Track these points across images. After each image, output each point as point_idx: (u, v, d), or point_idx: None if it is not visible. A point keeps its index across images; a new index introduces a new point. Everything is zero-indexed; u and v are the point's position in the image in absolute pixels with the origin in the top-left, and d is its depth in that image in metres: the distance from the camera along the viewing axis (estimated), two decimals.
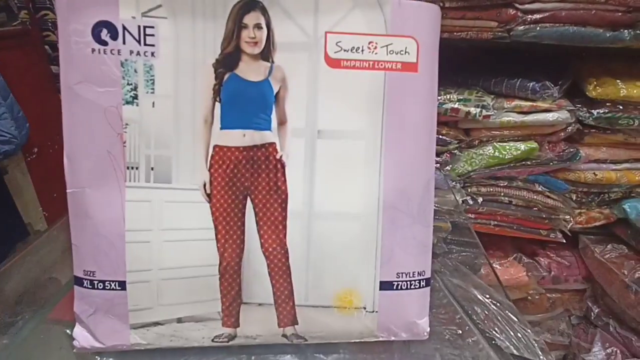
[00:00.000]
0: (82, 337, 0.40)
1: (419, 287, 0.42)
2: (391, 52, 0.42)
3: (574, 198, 1.11)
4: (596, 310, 1.17)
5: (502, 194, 1.13)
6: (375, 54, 0.42)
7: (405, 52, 0.42)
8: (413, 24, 0.42)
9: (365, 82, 0.42)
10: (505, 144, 1.10)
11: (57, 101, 1.66)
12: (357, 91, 0.42)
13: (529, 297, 1.17)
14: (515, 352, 0.39)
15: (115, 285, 0.40)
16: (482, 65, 1.17)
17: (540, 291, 1.17)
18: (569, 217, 1.10)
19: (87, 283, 0.40)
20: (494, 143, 1.10)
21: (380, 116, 0.42)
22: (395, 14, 0.42)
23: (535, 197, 1.11)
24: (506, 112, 1.08)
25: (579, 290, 1.20)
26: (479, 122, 1.07)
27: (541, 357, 0.38)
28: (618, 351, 1.08)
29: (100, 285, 0.40)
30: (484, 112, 1.07)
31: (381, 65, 0.42)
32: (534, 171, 1.11)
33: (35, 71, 1.64)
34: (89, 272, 0.40)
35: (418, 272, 0.42)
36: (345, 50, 0.42)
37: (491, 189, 1.13)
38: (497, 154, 1.09)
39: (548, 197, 1.10)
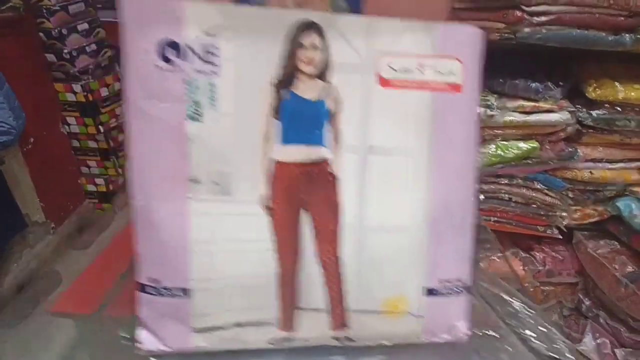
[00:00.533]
0: (147, 340, 0.43)
1: (460, 293, 0.46)
2: (438, 73, 0.44)
3: (571, 195, 1.17)
4: (587, 303, 1.24)
5: (502, 191, 1.18)
6: (423, 74, 0.44)
7: (451, 73, 0.45)
8: (458, 46, 0.45)
9: (414, 101, 0.44)
10: (507, 142, 1.14)
11: (52, 91, 1.62)
12: (406, 110, 0.44)
13: None
14: (551, 353, 0.43)
15: (179, 292, 0.42)
16: (485, 66, 1.21)
17: (535, 284, 1.23)
18: (565, 213, 1.16)
19: (151, 290, 0.42)
20: (497, 142, 1.15)
21: (427, 134, 0.45)
22: (442, 36, 0.44)
23: (534, 194, 1.16)
24: (509, 111, 1.12)
25: (571, 284, 1.27)
26: (483, 121, 1.11)
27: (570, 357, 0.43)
28: (607, 341, 1.15)
29: (165, 292, 0.42)
30: (488, 112, 1.11)
31: (428, 85, 0.44)
32: (534, 169, 1.16)
33: (30, 60, 1.59)
34: (153, 280, 0.42)
35: (459, 279, 0.46)
36: (396, 71, 0.44)
37: (493, 186, 1.18)
38: (499, 152, 1.13)
39: (546, 194, 1.16)
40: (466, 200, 0.46)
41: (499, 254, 0.69)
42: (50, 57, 1.64)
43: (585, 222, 1.20)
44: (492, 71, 1.16)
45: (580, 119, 1.09)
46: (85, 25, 1.72)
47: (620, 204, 1.11)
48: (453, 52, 0.44)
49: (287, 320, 0.44)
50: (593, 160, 1.14)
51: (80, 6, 1.71)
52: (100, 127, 1.80)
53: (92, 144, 1.85)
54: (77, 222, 1.86)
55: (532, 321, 0.47)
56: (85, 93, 1.70)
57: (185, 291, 0.42)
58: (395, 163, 0.45)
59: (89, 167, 1.91)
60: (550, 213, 1.17)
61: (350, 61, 0.44)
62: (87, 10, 1.77)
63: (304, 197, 0.44)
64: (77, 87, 1.69)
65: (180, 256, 0.42)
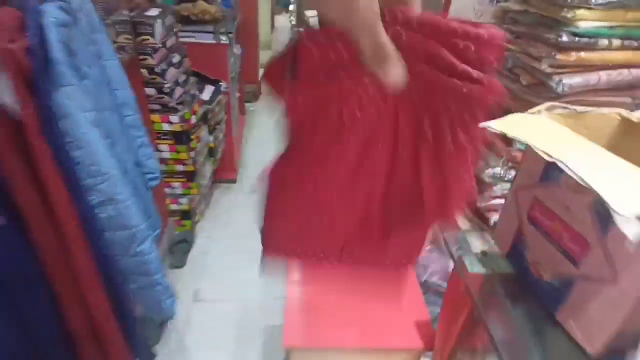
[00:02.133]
0: None
1: None
2: None
3: None
4: None
5: None
6: None
7: None
8: None
9: None
10: None
11: (148, 123, 1.69)
12: None
13: None
14: None
15: None
16: None
17: None
18: None
19: None
20: None
21: None
22: None
23: None
24: None
25: None
26: None
27: None
28: None
29: None
30: None
31: None
32: None
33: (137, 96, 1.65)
34: None
35: None
36: None
37: None
38: None
39: None
40: None
41: None
42: (150, 90, 1.71)
43: None
44: None
45: None
46: (178, 57, 1.79)
47: None
48: None
49: None
50: None
51: (173, 39, 1.77)
52: (191, 152, 1.90)
53: (179, 168, 1.95)
54: (167, 242, 1.98)
55: None
56: (180, 123, 1.79)
57: None
58: None
59: (172, 187, 2.01)
60: None
61: None
62: (179, 42, 1.83)
63: None
64: (174, 118, 1.78)
65: None
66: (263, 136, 3.33)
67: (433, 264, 1.34)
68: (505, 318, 0.61)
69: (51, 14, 0.71)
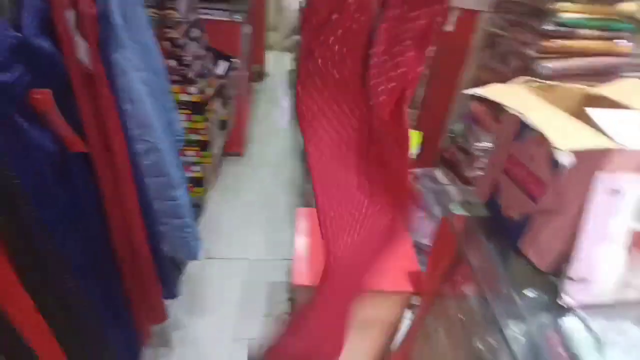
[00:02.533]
0: None
1: None
2: None
3: None
4: None
5: None
6: None
7: None
8: None
9: None
10: None
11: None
12: None
13: None
14: None
15: None
16: None
17: None
18: None
19: None
20: None
21: None
22: None
23: None
24: None
25: None
26: None
27: None
28: None
29: None
30: None
31: None
32: None
33: None
34: None
35: None
36: None
37: None
38: None
39: None
40: None
41: None
42: (172, 62, 1.83)
43: None
44: None
45: None
46: (197, 32, 1.90)
47: None
48: None
49: None
50: None
51: (194, 15, 1.88)
52: (206, 123, 2.03)
53: (193, 137, 2.08)
54: None
55: None
56: (199, 94, 1.92)
57: None
58: None
59: (185, 156, 2.15)
60: None
61: None
62: (198, 18, 1.94)
63: None
64: (192, 89, 1.91)
65: None
66: (267, 114, 3.46)
67: (424, 229, 1.49)
68: (481, 250, 0.77)
69: None
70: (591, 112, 0.57)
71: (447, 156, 1.69)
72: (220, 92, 2.25)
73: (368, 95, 0.67)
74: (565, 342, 0.59)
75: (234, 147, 2.75)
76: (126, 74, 0.88)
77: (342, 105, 0.69)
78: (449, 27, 1.38)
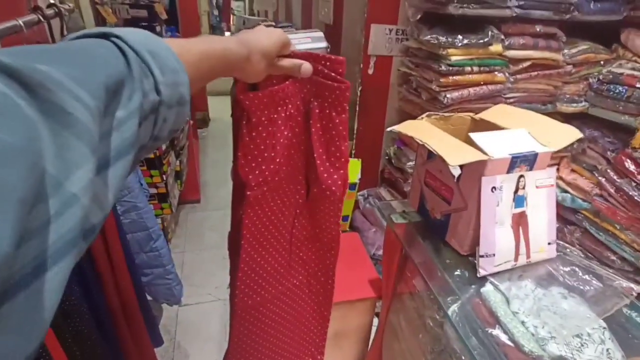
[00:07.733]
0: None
1: None
2: None
3: None
4: None
5: None
6: None
7: None
8: None
9: None
10: None
11: None
12: None
13: None
14: None
15: None
16: None
17: None
18: None
19: None
20: None
21: None
22: None
23: None
24: None
25: None
26: None
27: None
28: None
29: None
30: None
31: None
32: None
33: None
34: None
35: None
36: None
37: None
38: None
39: None
40: None
41: None
42: None
43: None
44: None
45: None
46: None
47: None
48: None
49: None
50: None
51: None
52: (163, 176, 2.14)
53: (152, 191, 2.17)
54: None
55: None
56: (154, 150, 2.04)
57: None
58: None
59: None
60: None
61: None
62: None
63: None
64: None
65: None
66: (217, 160, 3.59)
67: (378, 240, 1.71)
68: (420, 248, 0.98)
69: None
70: (473, 135, 0.82)
71: (387, 175, 1.95)
72: (172, 144, 2.37)
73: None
74: (486, 303, 0.81)
75: (191, 194, 2.84)
76: None
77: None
78: (370, 70, 1.65)
